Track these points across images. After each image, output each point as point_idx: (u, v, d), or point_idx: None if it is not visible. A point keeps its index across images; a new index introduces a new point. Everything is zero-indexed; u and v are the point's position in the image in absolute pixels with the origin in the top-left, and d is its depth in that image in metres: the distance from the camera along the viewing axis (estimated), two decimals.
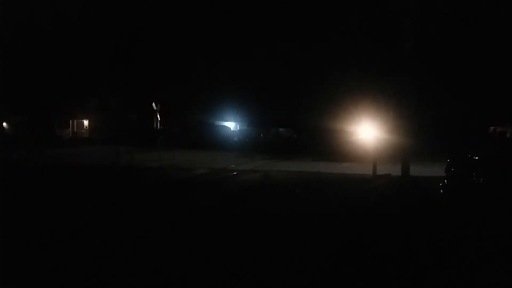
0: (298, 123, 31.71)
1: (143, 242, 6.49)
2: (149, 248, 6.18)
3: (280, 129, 35.13)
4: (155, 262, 5.56)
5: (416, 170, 13.90)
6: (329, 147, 21.95)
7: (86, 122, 41.84)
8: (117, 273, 5.22)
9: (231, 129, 39.10)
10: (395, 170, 13.88)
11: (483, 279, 5.09)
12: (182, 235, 6.89)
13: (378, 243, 6.47)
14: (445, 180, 9.75)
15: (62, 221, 7.80)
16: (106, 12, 36.67)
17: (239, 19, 34.85)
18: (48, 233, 6.93)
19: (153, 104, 18.00)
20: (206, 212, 8.72)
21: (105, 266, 5.41)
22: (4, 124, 41.93)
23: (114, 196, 10.47)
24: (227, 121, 40.18)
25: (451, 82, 25.88)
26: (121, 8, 36.79)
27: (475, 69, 26.51)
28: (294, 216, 8.22)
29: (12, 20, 32.47)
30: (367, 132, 14.54)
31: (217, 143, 30.71)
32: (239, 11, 35.25)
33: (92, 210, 8.86)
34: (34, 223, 7.63)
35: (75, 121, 41.69)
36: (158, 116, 18.15)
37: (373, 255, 5.92)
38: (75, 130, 41.61)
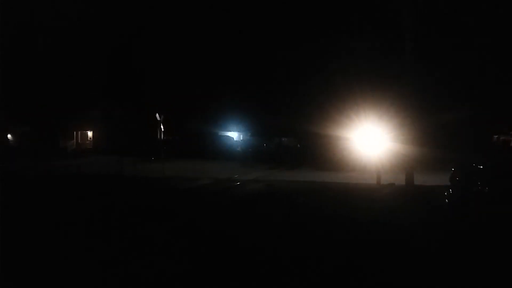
0: (301, 132, 31.65)
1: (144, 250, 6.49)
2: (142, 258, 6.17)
3: (283, 139, 35.09)
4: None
5: (420, 179, 13.83)
6: (333, 156, 21.91)
7: (90, 133, 41.99)
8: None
9: (234, 139, 39.14)
10: (399, 179, 13.81)
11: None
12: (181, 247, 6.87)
13: (381, 256, 6.43)
14: (450, 190, 9.70)
15: (64, 227, 7.83)
16: (108, 23, 37.05)
17: (239, 27, 35.13)
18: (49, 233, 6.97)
19: (157, 114, 18.09)
20: (208, 221, 8.71)
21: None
22: (9, 135, 42.23)
23: (112, 207, 10.48)
24: (230, 131, 40.23)
25: (454, 89, 25.87)
26: (124, 18, 37.20)
27: (479, 76, 26.51)
28: (295, 228, 8.14)
29: (16, 31, 32.94)
30: (370, 140, 14.54)
31: (220, 153, 30.72)
32: (238, 20, 35.53)
33: (89, 218, 8.88)
34: (38, 229, 7.66)
35: (79, 132, 41.84)
36: (162, 126, 18.21)
37: (376, 267, 5.87)
38: (79, 141, 41.74)
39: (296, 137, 33.96)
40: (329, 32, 29.42)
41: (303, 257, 6.21)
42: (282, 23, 33.32)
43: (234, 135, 40.20)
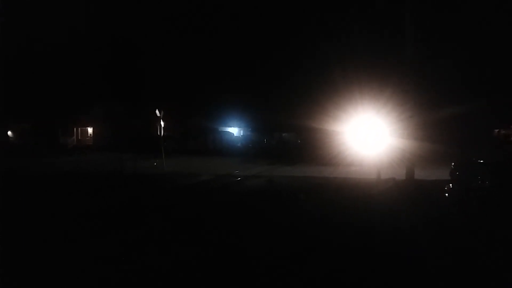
0: (301, 128, 31.69)
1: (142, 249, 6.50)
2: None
3: (284, 134, 35.13)
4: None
5: (420, 173, 13.82)
6: (333, 151, 21.91)
7: (90, 130, 42.04)
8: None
9: (235, 134, 39.16)
10: (399, 174, 13.81)
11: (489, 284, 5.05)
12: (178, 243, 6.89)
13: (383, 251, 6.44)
14: (450, 184, 9.71)
15: (61, 225, 7.86)
16: (109, 21, 37.02)
17: (239, 23, 35.11)
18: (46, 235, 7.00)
19: (157, 110, 18.06)
20: (207, 217, 8.72)
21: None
22: (9, 132, 42.29)
23: (111, 204, 10.49)
24: (230, 126, 40.27)
25: (455, 83, 25.81)
26: (124, 17, 37.19)
27: (480, 70, 26.43)
28: (296, 226, 8.12)
29: (17, 31, 32.91)
30: (370, 135, 14.51)
31: (220, 149, 30.79)
32: (238, 16, 35.49)
33: (88, 215, 8.89)
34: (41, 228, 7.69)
35: (79, 128, 41.90)
36: (162, 122, 18.19)
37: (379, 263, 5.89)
38: (79, 137, 41.81)
39: (297, 132, 34.00)
40: (327, 27, 29.40)
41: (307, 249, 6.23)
42: (280, 20, 33.31)
43: (234, 130, 40.24)
